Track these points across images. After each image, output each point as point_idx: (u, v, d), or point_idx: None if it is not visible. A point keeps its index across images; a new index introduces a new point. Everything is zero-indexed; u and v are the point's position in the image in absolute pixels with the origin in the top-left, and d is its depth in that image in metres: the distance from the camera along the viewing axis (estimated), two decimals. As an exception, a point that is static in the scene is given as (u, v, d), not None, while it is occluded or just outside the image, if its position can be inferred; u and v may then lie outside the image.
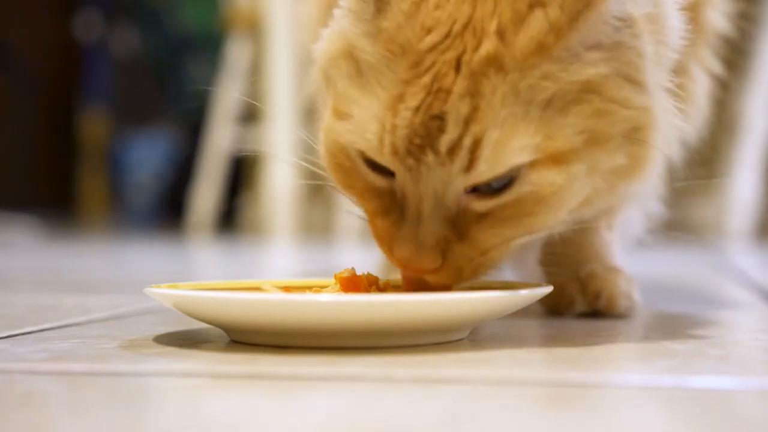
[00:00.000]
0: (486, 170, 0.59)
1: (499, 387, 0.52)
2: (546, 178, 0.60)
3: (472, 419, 0.44)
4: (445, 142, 0.59)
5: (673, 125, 0.66)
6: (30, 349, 0.63)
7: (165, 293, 0.64)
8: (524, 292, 0.64)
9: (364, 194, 0.64)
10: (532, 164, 0.60)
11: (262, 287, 0.69)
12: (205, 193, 2.81)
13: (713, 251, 1.95)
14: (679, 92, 0.68)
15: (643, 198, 0.86)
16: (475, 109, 0.58)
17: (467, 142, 0.58)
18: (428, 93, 0.59)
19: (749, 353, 0.65)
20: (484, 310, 0.63)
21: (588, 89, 0.60)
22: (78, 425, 0.43)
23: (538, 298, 0.66)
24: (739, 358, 0.62)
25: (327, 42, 0.66)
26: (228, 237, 2.67)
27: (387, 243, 0.63)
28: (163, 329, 0.71)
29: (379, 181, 0.63)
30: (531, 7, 0.59)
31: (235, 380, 0.54)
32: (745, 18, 0.82)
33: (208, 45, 4.12)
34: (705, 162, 2.38)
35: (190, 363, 0.59)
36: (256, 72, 2.75)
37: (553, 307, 0.81)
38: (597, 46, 0.60)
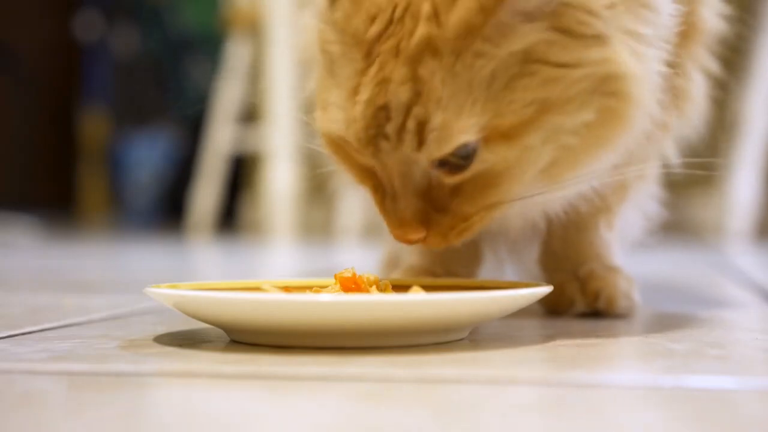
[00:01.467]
0: (434, 150, 0.61)
1: (499, 387, 0.52)
2: (498, 154, 0.61)
3: (472, 419, 0.44)
4: (391, 129, 0.61)
5: (651, 71, 0.64)
6: (30, 349, 0.63)
7: (165, 293, 0.64)
8: (524, 292, 0.64)
9: (360, 174, 0.67)
10: (485, 141, 0.61)
11: (262, 287, 0.69)
12: (205, 193, 2.81)
13: (713, 251, 1.95)
14: (677, 87, 0.69)
15: (643, 198, 0.86)
16: (416, 94, 0.60)
17: (411, 126, 0.61)
18: (375, 84, 0.61)
19: (749, 353, 0.65)
20: (484, 310, 0.63)
21: (531, 60, 0.60)
22: (78, 425, 0.43)
23: (538, 298, 0.66)
24: (739, 358, 0.62)
25: (304, 32, 0.69)
26: (228, 237, 2.67)
27: (381, 215, 0.67)
28: (163, 329, 0.71)
29: (364, 161, 0.66)
30: None
31: (235, 380, 0.54)
32: (742, 18, 0.82)
33: (208, 45, 4.13)
34: (705, 162, 2.38)
35: (190, 363, 0.59)
36: (256, 72, 2.75)
37: (552, 307, 0.81)
38: (531, 16, 0.60)
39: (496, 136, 0.61)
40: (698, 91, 0.79)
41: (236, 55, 2.80)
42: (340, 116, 0.64)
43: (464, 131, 0.60)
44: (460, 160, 0.62)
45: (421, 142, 0.61)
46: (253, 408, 0.47)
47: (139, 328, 0.74)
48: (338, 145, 0.67)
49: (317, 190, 2.60)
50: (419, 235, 0.65)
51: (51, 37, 4.56)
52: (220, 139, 2.78)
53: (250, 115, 2.85)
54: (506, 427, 0.43)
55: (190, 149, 3.46)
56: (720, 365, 0.58)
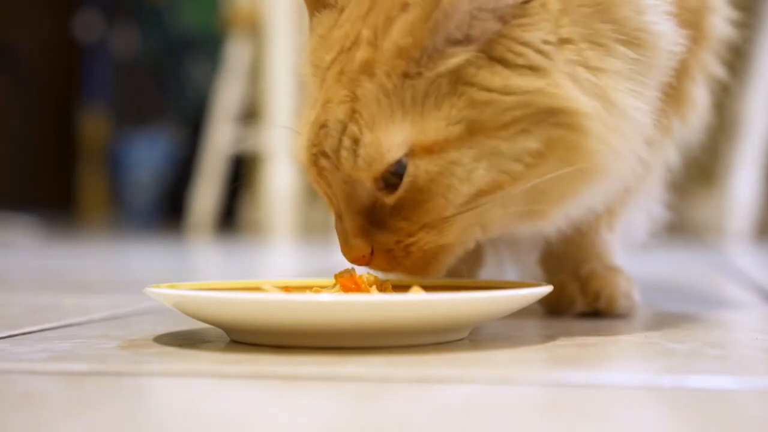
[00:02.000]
0: (366, 167, 0.64)
1: (499, 387, 0.52)
2: (420, 167, 0.63)
3: (471, 419, 0.44)
4: (328, 146, 0.65)
5: (617, 109, 0.64)
6: (30, 349, 0.63)
7: (165, 293, 0.64)
8: (524, 292, 0.64)
9: (324, 196, 0.69)
10: (411, 156, 0.63)
11: (262, 287, 0.69)
12: (205, 193, 2.81)
13: (713, 251, 1.95)
14: (680, 95, 0.69)
15: (644, 199, 0.86)
16: (352, 112, 0.63)
17: (346, 143, 0.64)
18: (320, 105, 0.65)
19: (749, 353, 0.65)
20: (484, 310, 0.63)
21: (460, 81, 0.62)
22: (78, 425, 0.43)
23: (538, 298, 0.66)
24: (739, 358, 0.62)
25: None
26: (228, 237, 2.68)
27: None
28: (163, 329, 0.71)
29: (323, 186, 0.68)
30: (398, 12, 0.63)
31: (235, 380, 0.54)
32: (743, 18, 0.82)
33: (208, 45, 4.13)
34: (705, 163, 2.38)
35: (190, 363, 0.59)
36: (256, 72, 2.75)
37: (553, 307, 0.81)
38: (462, 40, 0.62)
39: (420, 150, 0.63)
40: (702, 97, 0.80)
41: (236, 55, 2.80)
42: (300, 142, 0.68)
43: (392, 148, 0.63)
44: (396, 178, 0.64)
45: (356, 158, 0.64)
46: (252, 408, 0.47)
47: (139, 328, 0.74)
48: (303, 168, 0.70)
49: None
50: (363, 252, 0.66)
51: (51, 37, 4.56)
52: (220, 139, 2.78)
53: (250, 115, 2.85)
54: (506, 427, 0.43)
55: (190, 149, 3.46)
56: (720, 365, 0.58)
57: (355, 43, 0.64)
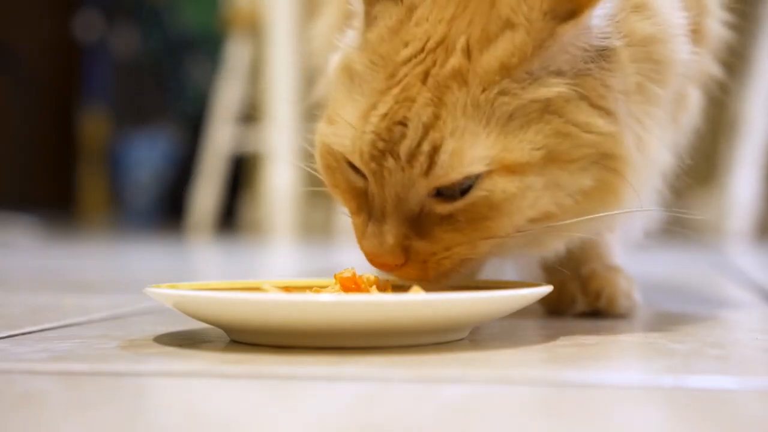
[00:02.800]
0: (442, 176, 0.63)
1: (499, 387, 0.52)
2: (498, 185, 0.63)
3: (471, 419, 0.44)
4: (405, 146, 0.63)
5: (654, 161, 0.69)
6: (30, 349, 0.63)
7: (165, 293, 0.64)
8: (524, 292, 0.64)
9: (346, 194, 0.68)
10: (488, 172, 0.63)
11: (262, 287, 0.69)
12: (205, 193, 2.81)
13: (713, 251, 1.95)
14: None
15: (644, 200, 0.86)
16: (436, 117, 0.62)
17: (426, 147, 0.62)
18: (396, 102, 0.63)
19: (749, 353, 0.65)
20: (484, 310, 0.63)
21: (549, 110, 0.64)
22: (78, 425, 0.43)
23: (538, 298, 0.66)
24: (739, 358, 0.62)
25: (313, 40, 0.72)
26: (228, 237, 2.68)
27: (359, 239, 0.67)
28: (163, 329, 0.71)
29: (358, 181, 0.67)
30: (501, 29, 0.63)
31: (235, 380, 0.54)
32: (743, 19, 0.83)
33: (208, 45, 4.13)
34: (705, 163, 2.38)
35: (190, 363, 0.59)
36: (256, 72, 2.75)
37: (553, 307, 0.81)
38: (559, 71, 0.64)
39: (500, 168, 0.63)
40: (695, 99, 0.81)
41: (236, 55, 2.80)
42: (348, 132, 0.65)
43: (474, 162, 0.62)
44: (456, 191, 0.63)
45: (431, 166, 0.62)
46: (252, 408, 0.47)
47: (139, 328, 0.74)
48: (330, 161, 0.68)
49: (317, 191, 2.60)
50: (397, 261, 0.65)
51: (51, 37, 4.56)
52: (220, 139, 2.78)
53: (250, 115, 2.85)
54: (506, 427, 0.43)
55: (190, 149, 3.46)
56: (720, 365, 0.58)
57: (442, 45, 0.63)
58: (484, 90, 0.63)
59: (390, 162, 0.63)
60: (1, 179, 4.16)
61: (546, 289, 0.66)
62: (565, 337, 0.68)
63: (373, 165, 0.64)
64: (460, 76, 0.63)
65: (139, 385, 0.53)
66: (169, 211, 4.19)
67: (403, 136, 0.63)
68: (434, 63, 0.63)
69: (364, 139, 0.64)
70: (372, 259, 0.66)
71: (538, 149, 0.63)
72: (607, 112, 0.65)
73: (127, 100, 4.62)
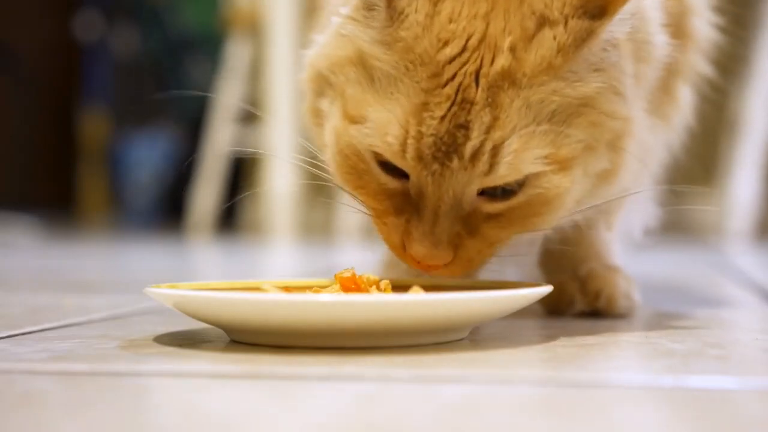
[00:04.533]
0: (505, 175, 0.64)
1: (499, 387, 0.52)
2: (553, 182, 0.65)
3: (471, 419, 0.44)
4: (469, 148, 0.63)
5: (645, 136, 0.71)
6: (30, 349, 0.63)
7: (165, 293, 0.64)
8: (524, 292, 0.64)
9: (377, 195, 0.67)
10: (545, 170, 0.64)
11: (262, 287, 0.69)
12: (205, 193, 2.81)
13: (713, 251, 1.95)
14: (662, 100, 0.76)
15: (643, 199, 0.87)
16: (495, 118, 0.63)
17: (488, 147, 0.63)
18: (453, 103, 0.63)
19: (749, 353, 0.65)
20: (484, 310, 0.63)
21: (585, 103, 0.65)
22: (78, 425, 0.43)
23: (538, 298, 0.66)
24: (739, 358, 0.62)
25: (328, 48, 0.69)
26: (228, 237, 2.67)
27: (399, 240, 0.67)
28: (163, 329, 0.71)
29: (392, 182, 0.66)
30: (539, 25, 0.64)
31: (235, 380, 0.54)
32: (742, 18, 0.84)
33: (208, 45, 4.12)
34: (705, 163, 2.38)
35: (190, 363, 0.59)
36: (256, 72, 2.75)
37: (552, 307, 0.81)
38: (594, 66, 0.66)
39: (555, 165, 0.64)
40: (686, 97, 0.81)
41: (236, 55, 2.79)
42: (394, 130, 0.64)
43: (534, 161, 0.64)
44: (506, 189, 0.65)
45: (493, 165, 0.63)
46: (253, 408, 0.47)
47: (139, 328, 0.74)
48: (356, 162, 0.66)
49: (317, 190, 2.60)
50: (448, 259, 0.65)
51: (51, 37, 4.55)
52: (220, 139, 2.78)
53: (250, 115, 2.85)
54: (506, 427, 0.43)
55: (190, 149, 3.46)
56: (720, 365, 0.58)
57: (484, 43, 0.63)
58: (534, 90, 0.64)
59: (455, 162, 0.63)
60: (1, 179, 4.16)
61: (546, 289, 0.66)
62: (565, 337, 0.68)
63: (435, 166, 0.63)
64: (510, 77, 0.63)
65: (139, 385, 0.53)
66: (169, 211, 4.19)
67: (467, 138, 0.63)
68: (481, 62, 0.63)
69: (423, 142, 0.63)
70: (421, 260, 0.66)
71: (580, 142, 0.65)
72: (623, 98, 0.67)
73: (127, 100, 4.62)
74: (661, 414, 0.46)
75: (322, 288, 0.70)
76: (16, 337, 0.68)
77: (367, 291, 0.67)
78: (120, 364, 0.58)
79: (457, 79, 0.63)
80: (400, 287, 0.68)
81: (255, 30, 2.75)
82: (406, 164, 0.64)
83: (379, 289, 0.67)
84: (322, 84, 0.69)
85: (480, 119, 0.63)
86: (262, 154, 2.68)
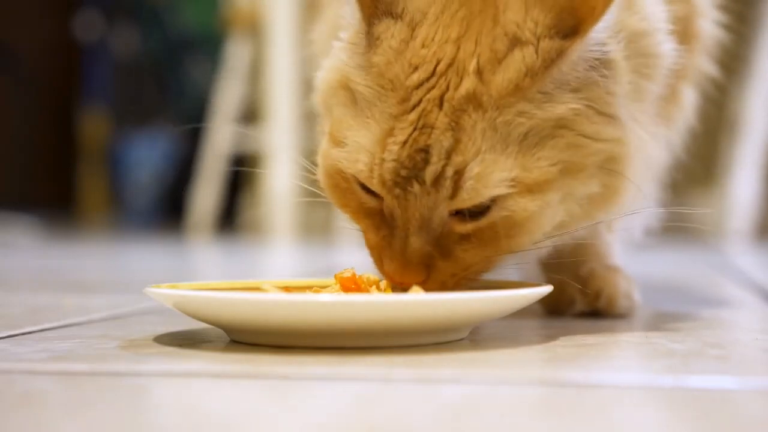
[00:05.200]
0: (468, 199, 0.63)
1: (499, 387, 0.52)
2: (520, 204, 0.64)
3: (471, 419, 0.44)
4: (429, 173, 0.63)
5: (649, 156, 0.70)
6: (30, 349, 0.63)
7: (165, 293, 0.64)
8: (524, 292, 0.64)
9: (358, 213, 0.68)
10: (511, 193, 0.64)
11: (262, 287, 0.69)
12: (205, 193, 2.80)
13: (713, 251, 1.95)
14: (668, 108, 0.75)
15: (644, 199, 0.87)
16: (456, 141, 0.63)
17: (450, 172, 0.63)
18: (415, 128, 0.63)
19: (749, 353, 0.65)
20: (484, 310, 0.63)
21: (561, 125, 0.64)
22: (78, 425, 0.43)
23: (538, 298, 0.66)
24: (739, 358, 0.62)
25: (327, 72, 0.70)
26: (228, 237, 2.67)
27: (378, 256, 0.67)
28: (163, 329, 0.71)
29: (370, 201, 0.67)
30: (509, 48, 0.63)
31: (235, 380, 0.54)
32: (742, 18, 0.84)
33: (208, 45, 4.12)
34: (705, 162, 2.38)
35: (190, 363, 0.59)
36: (256, 72, 2.75)
37: (553, 307, 0.81)
38: (568, 87, 0.65)
39: (522, 188, 0.64)
40: (689, 98, 0.81)
41: (236, 55, 2.79)
42: (362, 156, 0.65)
43: (497, 184, 0.63)
44: (475, 210, 0.64)
45: (456, 190, 0.63)
46: (253, 408, 0.47)
47: (139, 328, 0.74)
48: (340, 182, 0.68)
49: (317, 191, 2.60)
50: (419, 279, 0.65)
51: (51, 37, 4.55)
52: (220, 139, 2.78)
53: (250, 115, 2.85)
54: (506, 427, 0.43)
55: (190, 149, 3.46)
56: (720, 365, 0.58)
57: (452, 68, 0.63)
58: (500, 112, 0.63)
59: (416, 188, 0.63)
60: (1, 179, 4.16)
61: (546, 289, 0.66)
62: (565, 337, 0.68)
63: (397, 191, 0.64)
64: (475, 99, 0.63)
65: (139, 385, 0.53)
66: (169, 211, 4.19)
67: (427, 162, 0.63)
68: (447, 87, 0.63)
69: (384, 167, 0.64)
70: (393, 278, 0.66)
71: (554, 165, 0.64)
72: (612, 118, 0.66)
73: (127, 100, 4.62)
74: (661, 414, 0.46)
75: (322, 288, 0.70)
76: (16, 337, 0.68)
77: (367, 291, 0.67)
78: (120, 364, 0.58)
79: (422, 105, 0.63)
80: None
81: (255, 30, 2.74)
82: (374, 188, 0.65)
83: (379, 289, 0.67)
84: (324, 106, 0.71)
85: (440, 143, 0.63)
86: (262, 154, 2.68)
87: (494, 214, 0.64)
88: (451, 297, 0.61)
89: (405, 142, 0.63)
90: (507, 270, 0.89)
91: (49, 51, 4.56)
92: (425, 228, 0.64)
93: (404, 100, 0.64)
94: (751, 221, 2.40)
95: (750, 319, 0.86)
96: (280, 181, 2.58)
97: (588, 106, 0.65)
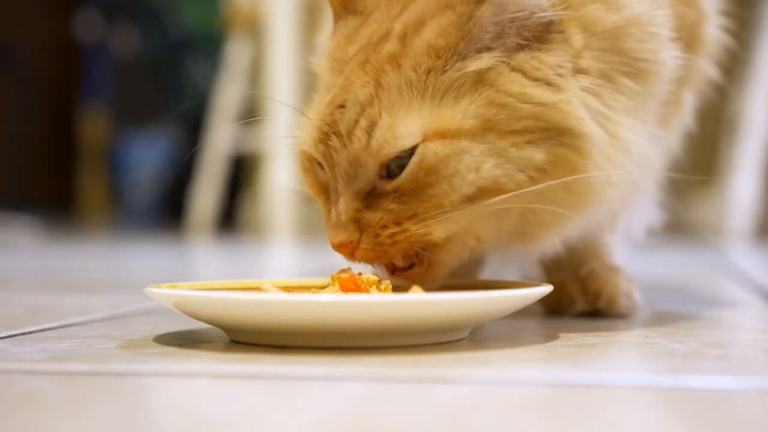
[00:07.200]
0: (379, 149, 0.66)
1: (499, 387, 0.52)
2: (430, 149, 0.65)
3: (471, 419, 0.44)
4: (344, 124, 0.67)
5: (625, 149, 0.68)
6: (30, 349, 0.63)
7: (165, 293, 0.64)
8: (524, 292, 0.64)
9: (317, 191, 0.71)
10: (424, 141, 0.66)
11: (262, 287, 0.69)
12: (205, 193, 2.81)
13: (713, 251, 1.95)
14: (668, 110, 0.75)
15: (644, 199, 0.87)
16: (372, 96, 0.67)
17: (363, 123, 0.66)
18: (340, 88, 0.68)
19: (749, 353, 0.65)
20: (484, 310, 0.63)
21: (481, 82, 0.67)
22: (78, 425, 0.43)
23: (538, 298, 0.66)
24: (739, 358, 0.62)
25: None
26: (228, 237, 2.68)
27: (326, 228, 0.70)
28: (163, 329, 0.71)
29: (323, 176, 0.70)
30: (434, 15, 0.68)
31: (235, 380, 0.54)
32: (742, 23, 0.84)
33: (208, 45, 4.13)
34: (705, 163, 2.38)
35: (190, 363, 0.59)
36: (256, 72, 2.75)
37: (553, 307, 0.81)
38: (485, 48, 0.67)
39: (433, 135, 0.66)
40: (689, 102, 0.81)
41: (236, 55, 2.79)
42: (308, 127, 0.70)
43: (408, 134, 0.65)
44: (399, 168, 0.66)
45: (369, 140, 0.66)
46: (253, 408, 0.47)
47: (139, 328, 0.74)
48: (305, 164, 0.71)
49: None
50: (353, 236, 0.67)
51: (51, 37, 4.55)
52: (220, 139, 2.78)
53: (250, 115, 2.85)
54: (506, 427, 0.43)
55: (190, 149, 3.46)
56: (720, 365, 0.58)
57: (384, 37, 0.68)
58: (415, 70, 0.67)
59: (334, 140, 0.67)
60: (1, 179, 4.16)
61: (546, 289, 0.66)
62: (565, 337, 0.68)
63: (321, 147, 0.68)
64: (395, 60, 0.67)
65: (139, 385, 0.53)
66: (169, 211, 4.19)
67: (343, 115, 0.67)
68: (374, 52, 0.68)
69: (311, 127, 0.69)
70: (331, 238, 0.68)
71: (472, 118, 0.66)
72: (546, 83, 0.67)
73: (127, 100, 4.62)
74: (661, 414, 0.46)
75: (321, 288, 0.70)
76: (16, 337, 0.68)
77: (366, 291, 0.67)
78: (120, 364, 0.58)
79: (349, 68, 0.69)
80: (400, 288, 0.68)
81: (255, 30, 2.75)
82: (312, 152, 0.69)
83: (379, 289, 0.67)
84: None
85: (355, 97, 0.67)
86: (262, 154, 2.68)
87: (411, 163, 0.66)
88: (451, 297, 0.61)
89: (330, 102, 0.68)
90: (507, 270, 0.89)
91: (49, 51, 4.56)
92: (352, 185, 0.67)
93: (341, 72, 0.70)
94: (751, 221, 2.40)
95: (750, 319, 0.86)
96: (280, 181, 2.58)
97: (511, 66, 0.66)
